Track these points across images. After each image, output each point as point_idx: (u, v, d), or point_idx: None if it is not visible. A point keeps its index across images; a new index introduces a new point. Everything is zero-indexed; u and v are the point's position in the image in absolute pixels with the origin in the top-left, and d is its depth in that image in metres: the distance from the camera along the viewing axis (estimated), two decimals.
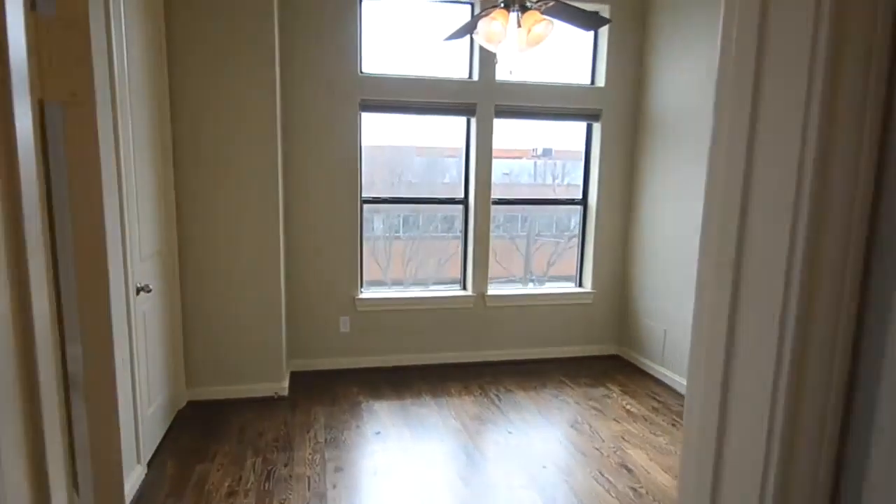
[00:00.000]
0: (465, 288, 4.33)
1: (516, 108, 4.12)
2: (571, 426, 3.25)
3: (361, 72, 3.89)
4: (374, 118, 4.04)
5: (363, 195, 4.06)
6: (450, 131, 4.29)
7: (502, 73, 4.09)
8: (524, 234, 5.15)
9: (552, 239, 5.04)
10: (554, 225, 5.01)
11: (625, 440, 3.09)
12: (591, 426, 3.25)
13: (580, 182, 4.52)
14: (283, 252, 3.63)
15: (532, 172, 4.99)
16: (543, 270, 5.00)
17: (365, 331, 4.09)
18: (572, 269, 4.84)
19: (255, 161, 3.34)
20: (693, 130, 3.69)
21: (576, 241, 4.64)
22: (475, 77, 4.06)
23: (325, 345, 4.04)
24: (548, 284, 4.72)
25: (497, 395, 3.67)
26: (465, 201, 4.25)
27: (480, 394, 3.70)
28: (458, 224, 4.46)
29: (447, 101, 3.99)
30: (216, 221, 3.35)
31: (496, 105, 4.06)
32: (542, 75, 4.23)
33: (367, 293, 4.14)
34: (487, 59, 3.99)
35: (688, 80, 3.71)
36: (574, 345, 4.48)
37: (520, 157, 4.99)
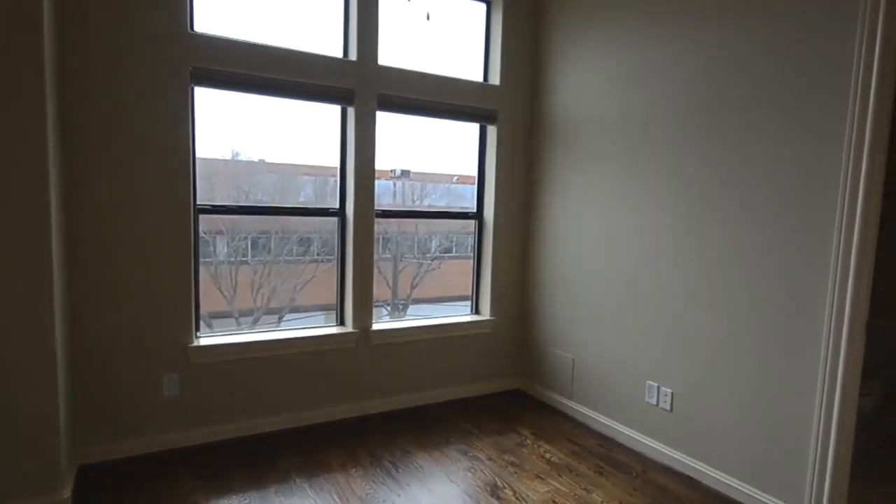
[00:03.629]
0: (342, 323, 3.50)
1: (404, 99, 3.42)
2: (493, 494, 2.62)
3: (192, 29, 2.85)
4: (214, 110, 3.05)
5: (198, 203, 2.98)
6: (312, 137, 3.44)
7: (387, 55, 3.40)
8: (388, 256, 4.73)
9: (416, 260, 4.81)
10: (416, 247, 4.82)
11: None
12: (514, 491, 2.64)
13: (443, 204, 3.98)
14: (60, 288, 2.42)
15: (392, 193, 4.45)
16: (407, 293, 4.78)
17: (203, 392, 2.98)
18: (434, 292, 4.40)
19: None
20: (597, 139, 3.33)
21: (442, 262, 4.13)
22: (352, 56, 3.28)
23: (140, 418, 2.84)
24: (437, 311, 4.09)
25: (393, 463, 2.90)
26: (341, 213, 3.44)
27: (371, 463, 2.89)
28: (316, 247, 3.71)
29: (317, 82, 3.15)
30: None
31: (379, 94, 3.34)
32: (432, 66, 3.61)
33: (206, 339, 3.05)
34: (368, 34, 3.26)
35: (590, 85, 3.36)
36: (474, 382, 3.89)
37: (378, 178, 4.48)
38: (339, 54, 3.30)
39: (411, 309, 5.06)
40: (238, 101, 3.17)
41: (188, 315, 2.92)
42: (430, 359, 3.69)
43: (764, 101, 2.44)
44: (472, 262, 3.99)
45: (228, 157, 3.61)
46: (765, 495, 2.46)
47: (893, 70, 2.08)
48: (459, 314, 3.97)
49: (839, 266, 2.17)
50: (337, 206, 3.43)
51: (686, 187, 2.79)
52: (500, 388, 3.96)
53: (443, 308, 4.25)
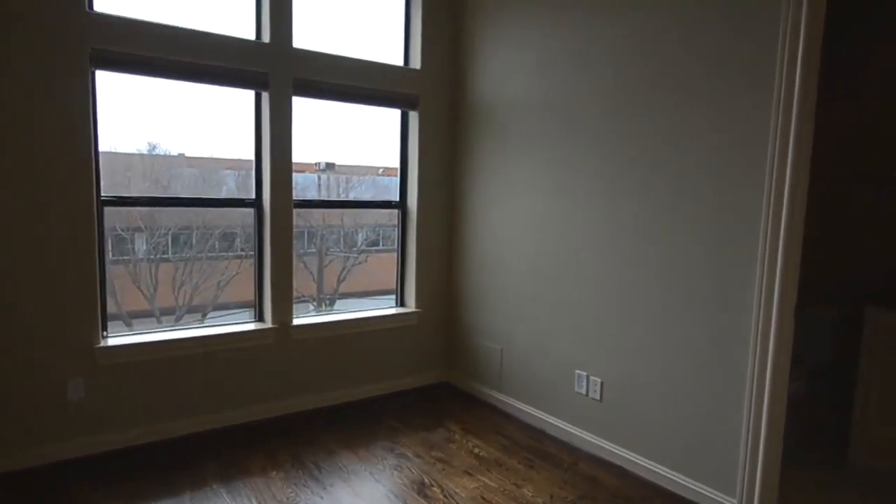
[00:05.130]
0: (261, 319, 3.25)
1: (321, 84, 3.23)
2: (420, 493, 2.50)
3: (91, 8, 2.59)
4: (127, 101, 2.75)
5: (102, 195, 2.72)
6: (233, 130, 3.19)
7: (303, 38, 3.18)
8: (314, 251, 4.66)
9: (342, 254, 4.73)
10: (342, 240, 4.75)
11: (486, 500, 2.46)
12: (442, 488, 2.54)
13: (368, 197, 3.86)
14: None
15: (317, 187, 4.37)
16: (334, 288, 4.73)
17: (112, 395, 2.73)
18: (361, 286, 4.32)
19: None
20: (522, 125, 3.28)
21: (369, 255, 4.01)
22: (265, 38, 3.05)
23: (43, 426, 2.58)
24: (366, 305, 3.93)
25: (316, 464, 2.72)
26: (257, 203, 3.19)
27: (293, 464, 2.70)
28: (240, 242, 3.52)
29: (228, 65, 2.91)
30: None
31: (295, 78, 3.12)
32: (350, 49, 3.43)
33: (114, 339, 2.77)
34: (282, 16, 3.04)
35: (513, 70, 3.31)
36: (402, 377, 3.75)
37: (303, 171, 4.32)
38: (251, 36, 3.06)
39: (339, 304, 4.92)
40: (154, 93, 2.94)
41: (93, 315, 2.66)
42: (355, 354, 3.52)
43: (693, 86, 2.44)
44: (395, 253, 3.85)
45: (145, 150, 3.40)
46: (697, 484, 2.48)
47: (818, 56, 2.10)
48: (384, 307, 3.82)
49: (767, 253, 2.20)
50: (253, 196, 3.18)
51: (616, 174, 2.79)
52: (429, 382, 3.86)
53: (372, 302, 4.10)
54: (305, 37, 3.21)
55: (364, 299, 4.53)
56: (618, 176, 2.75)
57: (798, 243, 2.19)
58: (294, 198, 3.21)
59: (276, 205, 3.13)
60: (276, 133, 3.09)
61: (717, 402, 2.39)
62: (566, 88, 3.00)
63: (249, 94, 3.11)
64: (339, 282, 5.05)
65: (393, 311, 3.76)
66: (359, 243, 4.78)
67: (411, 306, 3.79)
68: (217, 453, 2.76)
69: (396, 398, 3.61)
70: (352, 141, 3.88)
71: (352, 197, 4.61)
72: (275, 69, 3.04)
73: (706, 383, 2.43)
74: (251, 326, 3.18)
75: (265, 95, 3.07)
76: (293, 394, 3.29)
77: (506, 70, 3.38)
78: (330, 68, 3.24)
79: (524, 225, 3.30)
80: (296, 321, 3.27)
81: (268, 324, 3.18)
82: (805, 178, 2.16)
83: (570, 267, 3.02)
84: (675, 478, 2.55)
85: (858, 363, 2.79)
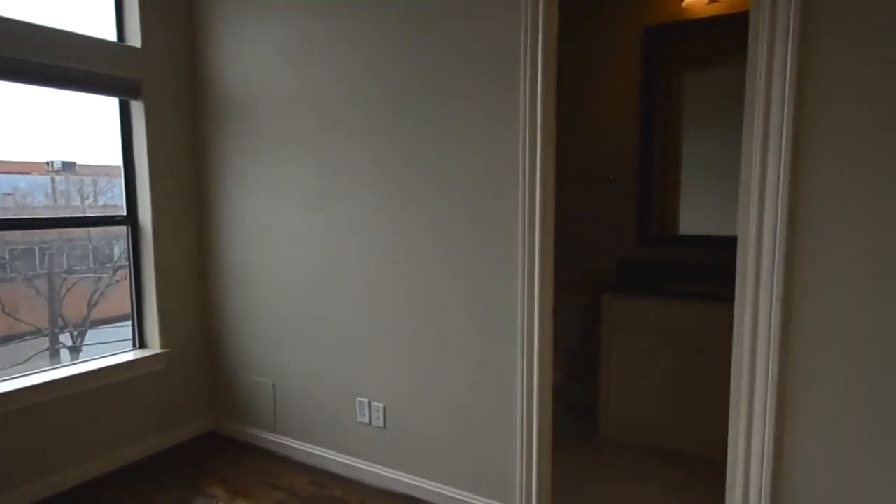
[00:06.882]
0: None
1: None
2: None
3: None
4: None
5: None
6: None
7: None
8: (44, 272, 3.72)
9: (93, 275, 3.89)
10: (91, 256, 3.86)
11: None
12: None
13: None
14: None
15: (51, 192, 3.38)
16: (84, 315, 3.84)
17: None
18: (121, 310, 3.51)
19: None
20: (278, 122, 2.84)
21: (124, 278, 3.18)
22: None
23: None
24: (92, 355, 3.05)
25: None
26: None
27: None
28: None
29: None
30: None
31: None
32: (38, 14, 2.54)
33: None
34: None
35: (263, 57, 2.83)
36: (149, 437, 3.03)
37: (28, 172, 3.35)
38: None
39: (92, 335, 3.93)
40: None
41: None
42: (79, 422, 2.71)
43: (454, 84, 2.30)
44: (128, 282, 3.08)
45: None
46: (482, 499, 2.45)
47: (555, 56, 2.14)
48: (119, 352, 3.03)
49: (526, 262, 2.21)
50: None
51: (383, 180, 2.56)
52: (187, 437, 3.21)
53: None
54: None
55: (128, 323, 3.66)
56: (386, 182, 2.53)
57: (550, 252, 2.23)
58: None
59: None
60: None
61: (495, 412, 2.38)
62: (324, 81, 2.65)
63: None
64: (91, 307, 4.08)
65: (130, 356, 3.00)
66: (115, 258, 3.84)
67: (155, 347, 3.08)
68: None
69: (143, 467, 2.90)
70: (96, 135, 2.99)
71: (101, 204, 3.61)
72: None
73: (483, 395, 2.40)
74: None
75: None
76: None
77: (253, 55, 2.87)
78: (10, 37, 2.33)
79: (288, 239, 2.88)
80: None
81: None
82: (552, 181, 2.19)
83: (340, 284, 2.73)
84: (462, 497, 2.49)
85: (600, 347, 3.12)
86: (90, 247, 3.96)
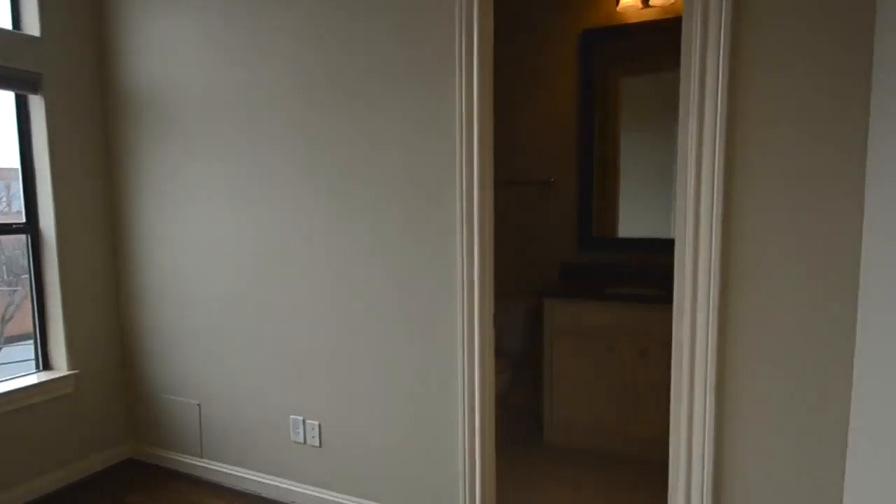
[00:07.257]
0: None
1: None
2: None
3: None
4: None
5: None
6: None
7: None
8: None
9: (6, 287, 3.56)
10: (4, 267, 3.53)
11: None
12: None
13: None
14: None
15: None
16: None
17: None
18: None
19: None
20: (197, 122, 2.63)
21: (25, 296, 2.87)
22: None
23: None
24: (5, 376, 2.74)
25: None
26: None
27: None
28: None
29: None
30: None
31: None
32: None
33: None
34: None
35: (181, 50, 2.63)
36: (57, 470, 2.73)
37: None
38: None
39: (7, 352, 3.55)
40: None
41: None
42: None
43: (390, 84, 2.20)
44: (30, 298, 2.78)
45: None
46: None
47: (491, 55, 2.08)
48: (20, 374, 2.72)
49: (465, 267, 2.13)
50: None
51: (312, 184, 2.41)
52: (104, 465, 2.93)
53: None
54: None
55: None
56: (316, 186, 2.39)
57: (490, 257, 2.17)
58: None
59: None
60: None
61: (436, 424, 2.28)
62: (247, 77, 2.48)
63: None
64: (5, 322, 3.72)
65: (34, 379, 2.69)
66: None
67: (62, 369, 2.78)
68: None
69: (52, 503, 2.61)
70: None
71: (16, 210, 3.26)
72: None
73: (423, 408, 2.29)
74: None
75: None
76: None
77: (169, 48, 2.65)
78: None
79: (211, 248, 2.68)
80: None
81: None
82: (490, 184, 2.13)
83: (268, 297, 2.56)
84: None
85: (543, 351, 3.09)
86: (2, 257, 3.61)
